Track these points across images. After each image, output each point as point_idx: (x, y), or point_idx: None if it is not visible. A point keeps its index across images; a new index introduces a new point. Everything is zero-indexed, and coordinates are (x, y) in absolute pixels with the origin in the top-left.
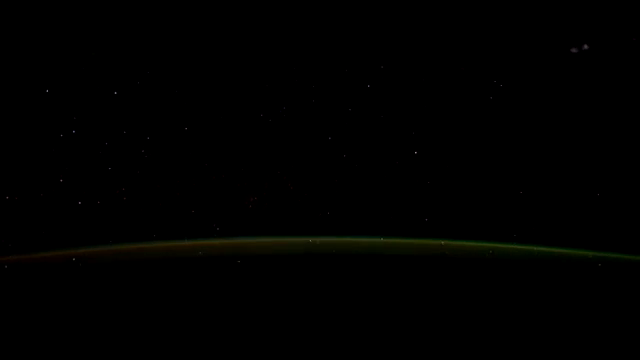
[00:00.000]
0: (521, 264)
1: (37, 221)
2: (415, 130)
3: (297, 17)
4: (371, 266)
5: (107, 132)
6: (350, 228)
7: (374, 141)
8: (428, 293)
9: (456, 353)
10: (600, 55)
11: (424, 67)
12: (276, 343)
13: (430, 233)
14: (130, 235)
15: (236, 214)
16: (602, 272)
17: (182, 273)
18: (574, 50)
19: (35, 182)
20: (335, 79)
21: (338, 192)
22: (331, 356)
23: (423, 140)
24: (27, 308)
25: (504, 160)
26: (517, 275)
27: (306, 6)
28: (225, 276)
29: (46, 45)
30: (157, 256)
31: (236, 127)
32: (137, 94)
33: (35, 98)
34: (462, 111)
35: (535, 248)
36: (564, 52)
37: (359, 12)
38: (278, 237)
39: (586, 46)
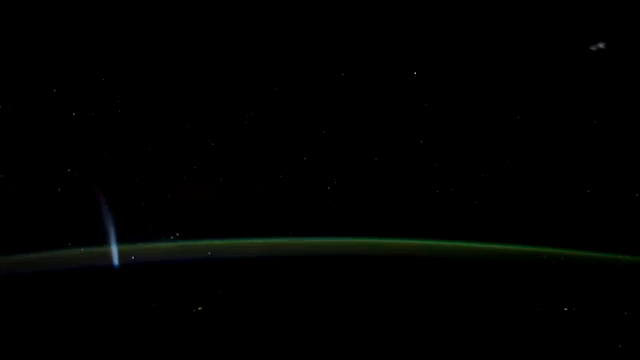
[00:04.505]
0: (521, 265)
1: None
2: (414, 131)
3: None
4: (369, 267)
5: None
6: (349, 229)
7: (373, 143)
8: (426, 294)
9: (455, 354)
10: (600, 56)
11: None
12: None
13: (429, 233)
14: (127, 237)
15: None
16: (603, 272)
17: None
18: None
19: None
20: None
21: (337, 193)
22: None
23: (422, 140)
24: None
25: (504, 161)
26: (517, 276)
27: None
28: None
29: None
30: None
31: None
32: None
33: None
34: (461, 112)
35: (536, 250)
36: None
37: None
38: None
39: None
